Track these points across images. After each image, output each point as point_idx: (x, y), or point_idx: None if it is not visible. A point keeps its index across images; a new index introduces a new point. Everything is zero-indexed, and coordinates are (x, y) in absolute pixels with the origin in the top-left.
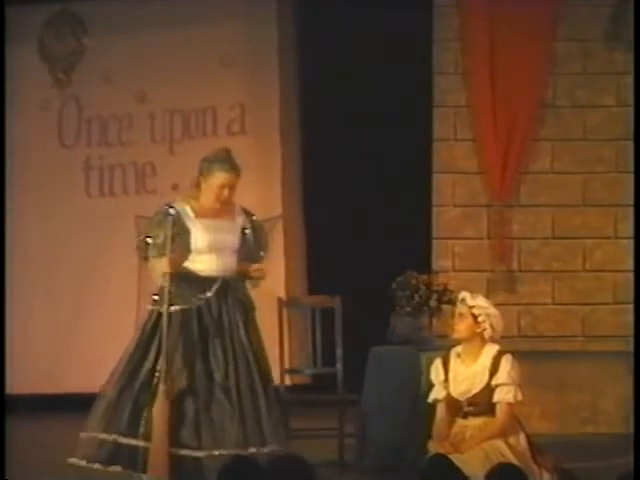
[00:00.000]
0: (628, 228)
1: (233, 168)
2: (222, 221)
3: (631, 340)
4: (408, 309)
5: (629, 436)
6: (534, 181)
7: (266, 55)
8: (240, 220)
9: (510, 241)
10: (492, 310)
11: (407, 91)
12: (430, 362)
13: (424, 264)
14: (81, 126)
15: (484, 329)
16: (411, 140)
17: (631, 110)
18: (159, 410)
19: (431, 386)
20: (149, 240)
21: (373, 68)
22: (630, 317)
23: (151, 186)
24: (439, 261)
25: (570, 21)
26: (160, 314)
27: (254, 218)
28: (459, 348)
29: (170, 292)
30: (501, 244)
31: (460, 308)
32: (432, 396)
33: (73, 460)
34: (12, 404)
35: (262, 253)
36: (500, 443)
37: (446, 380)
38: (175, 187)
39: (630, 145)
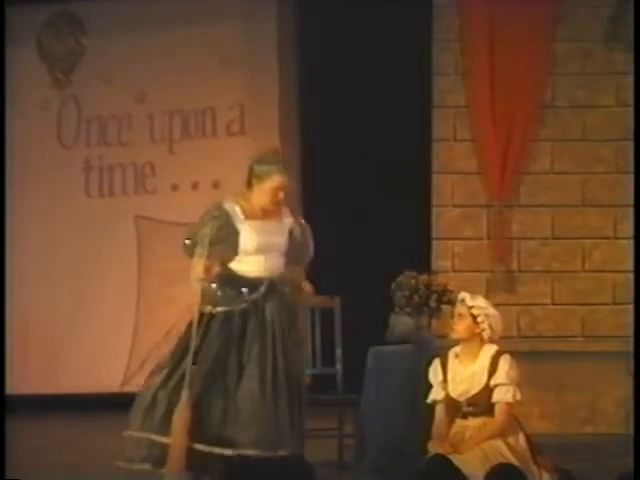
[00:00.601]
0: (628, 228)
1: (286, 169)
2: (271, 223)
3: (631, 340)
4: (408, 309)
5: (629, 436)
6: (534, 181)
7: (266, 55)
8: (288, 222)
9: (510, 241)
10: (491, 311)
11: (407, 91)
12: (429, 362)
13: (424, 264)
14: (81, 126)
15: (483, 329)
16: (411, 140)
17: (631, 110)
18: (180, 410)
19: (430, 386)
20: (196, 239)
21: (373, 68)
22: (629, 317)
23: (150, 186)
24: (439, 261)
25: (570, 21)
26: (202, 315)
27: (302, 220)
28: (458, 348)
29: (214, 294)
30: (501, 244)
31: (459, 308)
32: (431, 397)
33: (121, 464)
34: (12, 404)
35: (308, 256)
36: (499, 443)
37: (445, 381)
38: (175, 187)
39: (630, 145)
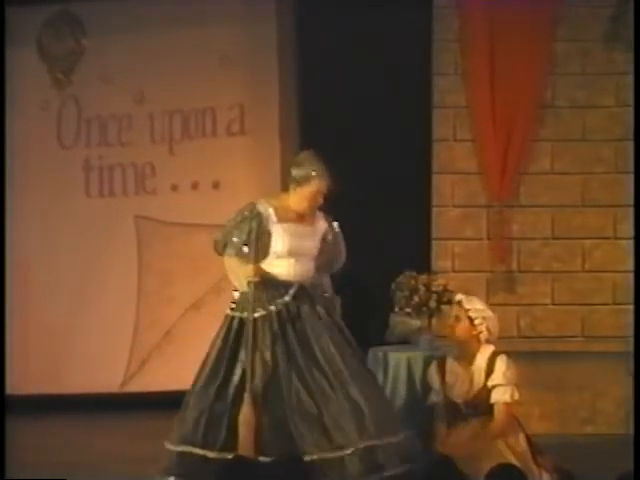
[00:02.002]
0: (628, 228)
1: (324, 172)
2: (304, 226)
3: (631, 340)
4: (407, 309)
5: (629, 436)
6: (533, 181)
7: (265, 55)
8: (322, 227)
9: (510, 241)
10: (488, 313)
11: (407, 91)
12: (429, 363)
13: (424, 264)
14: (80, 126)
15: (480, 332)
16: (411, 140)
17: (631, 110)
18: (245, 419)
19: (429, 388)
20: (229, 238)
21: (373, 68)
22: (629, 317)
23: (150, 186)
24: (439, 261)
25: (569, 21)
26: (241, 320)
27: (335, 225)
28: (455, 350)
29: (247, 298)
30: (501, 244)
31: (456, 311)
32: (430, 399)
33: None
34: (12, 404)
35: (338, 263)
36: (500, 443)
37: (443, 383)
38: (175, 187)
39: (630, 145)
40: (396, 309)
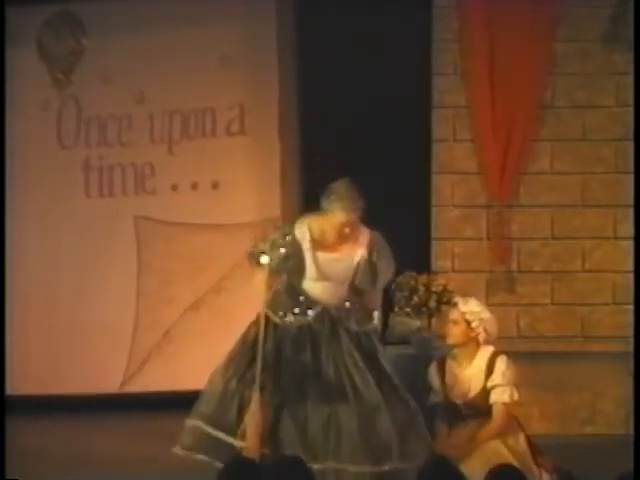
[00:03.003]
0: (627, 229)
1: (354, 202)
2: (339, 254)
3: (631, 340)
4: (407, 310)
5: (629, 436)
6: (533, 181)
7: (265, 55)
8: (359, 253)
9: (509, 242)
10: (485, 314)
11: (406, 91)
12: (428, 363)
13: (423, 264)
14: (80, 126)
15: (478, 334)
16: (410, 140)
17: (630, 110)
18: (253, 418)
19: (429, 388)
20: (261, 252)
21: (372, 68)
22: (629, 318)
23: (150, 186)
24: (438, 262)
25: (569, 21)
26: (267, 323)
27: (374, 251)
28: (455, 351)
29: (278, 305)
30: (500, 245)
31: (453, 314)
32: (430, 399)
33: (178, 450)
34: (12, 404)
35: (380, 283)
36: (499, 444)
37: (443, 383)
38: (174, 187)
39: (629, 145)
40: (396, 309)
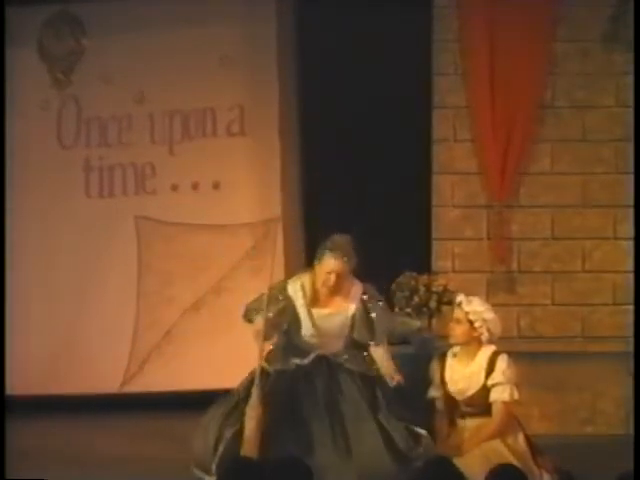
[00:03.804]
0: (627, 229)
1: (345, 255)
2: (332, 309)
3: (631, 340)
4: (408, 310)
5: (629, 436)
6: (533, 182)
7: (265, 55)
8: (352, 308)
9: (510, 242)
10: (489, 314)
11: (406, 91)
12: (429, 363)
13: (424, 265)
14: (80, 126)
15: (481, 334)
16: (411, 141)
17: (630, 111)
18: (253, 412)
19: (429, 386)
20: (256, 309)
21: (373, 68)
22: (629, 318)
23: (151, 187)
24: (439, 262)
25: (570, 21)
26: (262, 372)
27: (368, 304)
28: (456, 348)
29: (276, 360)
30: (501, 245)
31: (456, 313)
32: (430, 393)
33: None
34: (12, 404)
35: (380, 337)
36: (499, 444)
37: (443, 379)
38: (175, 188)
39: (629, 146)
40: (396, 309)
